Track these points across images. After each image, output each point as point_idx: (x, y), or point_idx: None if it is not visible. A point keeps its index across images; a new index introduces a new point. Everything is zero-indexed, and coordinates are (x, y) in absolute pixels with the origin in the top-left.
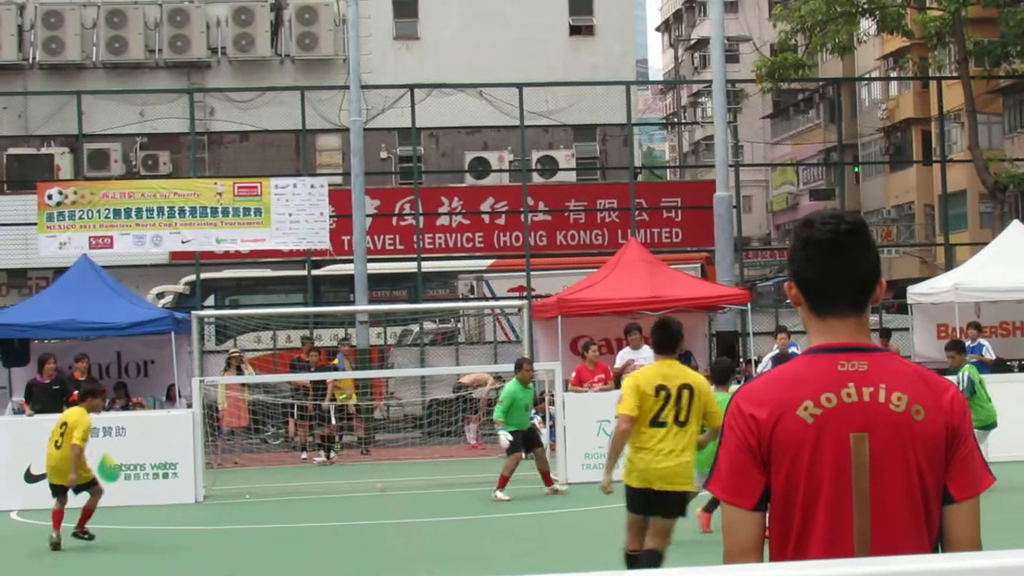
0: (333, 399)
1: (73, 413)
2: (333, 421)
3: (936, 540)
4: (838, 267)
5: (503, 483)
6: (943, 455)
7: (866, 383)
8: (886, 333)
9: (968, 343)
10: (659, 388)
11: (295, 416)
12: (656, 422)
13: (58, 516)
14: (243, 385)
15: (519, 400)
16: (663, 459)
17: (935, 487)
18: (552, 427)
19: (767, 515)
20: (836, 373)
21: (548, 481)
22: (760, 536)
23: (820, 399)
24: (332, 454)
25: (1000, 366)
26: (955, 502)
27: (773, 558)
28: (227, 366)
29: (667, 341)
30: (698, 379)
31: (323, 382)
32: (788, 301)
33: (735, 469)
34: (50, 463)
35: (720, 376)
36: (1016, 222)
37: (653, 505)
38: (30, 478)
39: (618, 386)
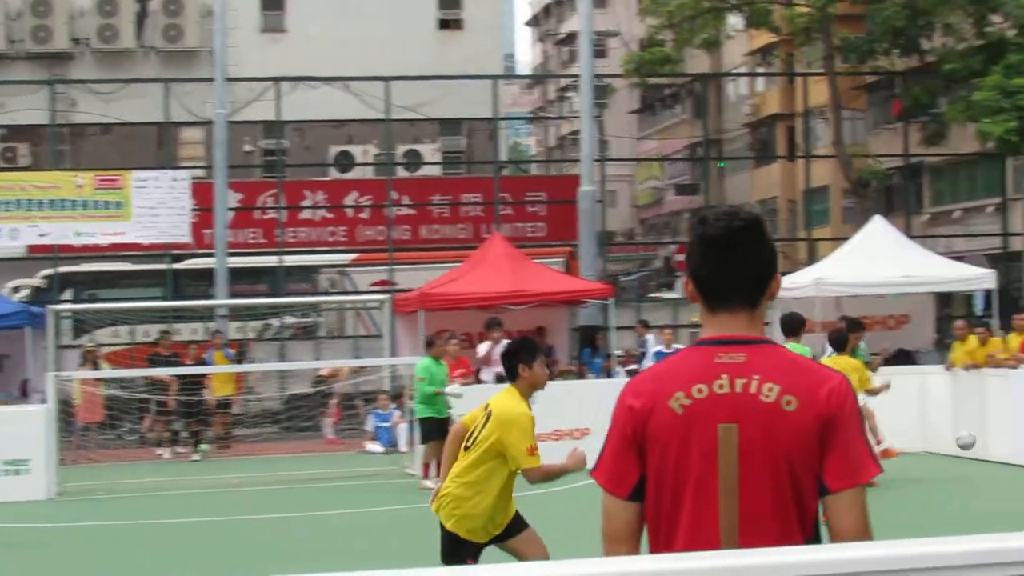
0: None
1: None
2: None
3: (814, 529)
4: (731, 263)
5: (428, 471)
6: (816, 446)
7: (740, 374)
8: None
9: None
10: None
11: (152, 412)
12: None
13: None
14: (98, 380)
15: (436, 375)
16: None
17: (809, 477)
18: (411, 421)
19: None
20: (712, 365)
21: (426, 474)
22: (635, 525)
23: (691, 390)
24: (204, 447)
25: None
26: (831, 492)
27: (650, 546)
28: (83, 361)
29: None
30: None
31: (187, 377)
32: (651, 295)
33: (615, 458)
34: None
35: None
36: (878, 217)
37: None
38: None
39: (479, 380)
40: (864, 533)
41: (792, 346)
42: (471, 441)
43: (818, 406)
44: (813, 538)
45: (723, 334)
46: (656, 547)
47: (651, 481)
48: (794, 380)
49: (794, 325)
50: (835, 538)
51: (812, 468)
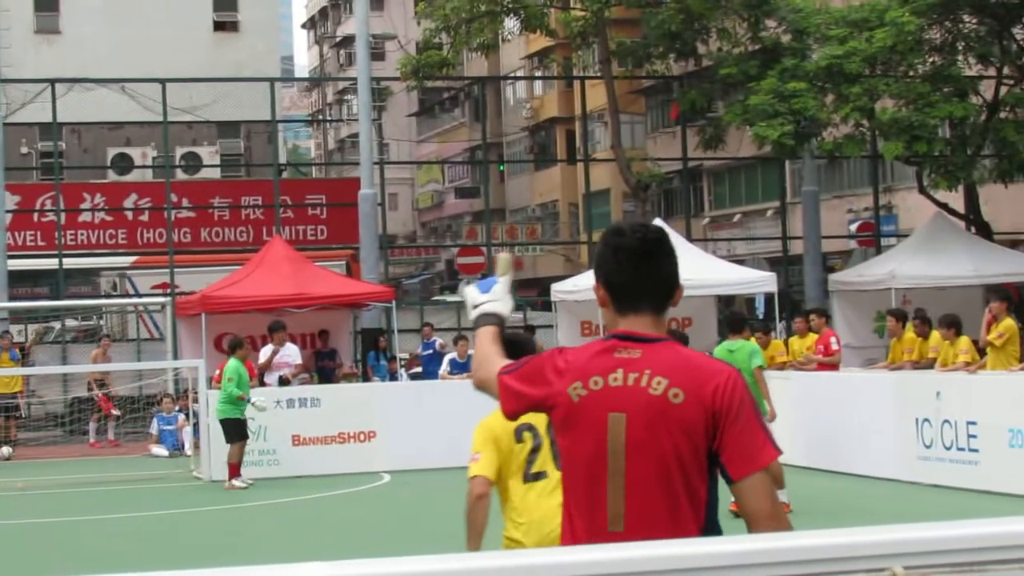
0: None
1: None
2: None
3: (707, 517)
4: (645, 272)
5: (235, 472)
6: (704, 437)
7: (634, 369)
8: (530, 329)
9: None
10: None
11: None
12: None
13: None
14: None
15: (243, 377)
16: None
17: (697, 466)
18: (196, 424)
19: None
20: (611, 359)
21: (233, 475)
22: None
23: (588, 382)
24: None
25: None
26: (734, 481)
27: (564, 510)
28: None
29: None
30: None
31: None
32: (434, 298)
33: (519, 382)
34: None
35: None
36: (658, 220)
37: None
38: None
39: (263, 383)
40: (774, 515)
41: (733, 343)
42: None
43: (704, 400)
44: (707, 525)
45: (629, 330)
46: (563, 521)
47: (561, 447)
48: (683, 375)
49: (737, 323)
50: (750, 524)
51: (701, 458)
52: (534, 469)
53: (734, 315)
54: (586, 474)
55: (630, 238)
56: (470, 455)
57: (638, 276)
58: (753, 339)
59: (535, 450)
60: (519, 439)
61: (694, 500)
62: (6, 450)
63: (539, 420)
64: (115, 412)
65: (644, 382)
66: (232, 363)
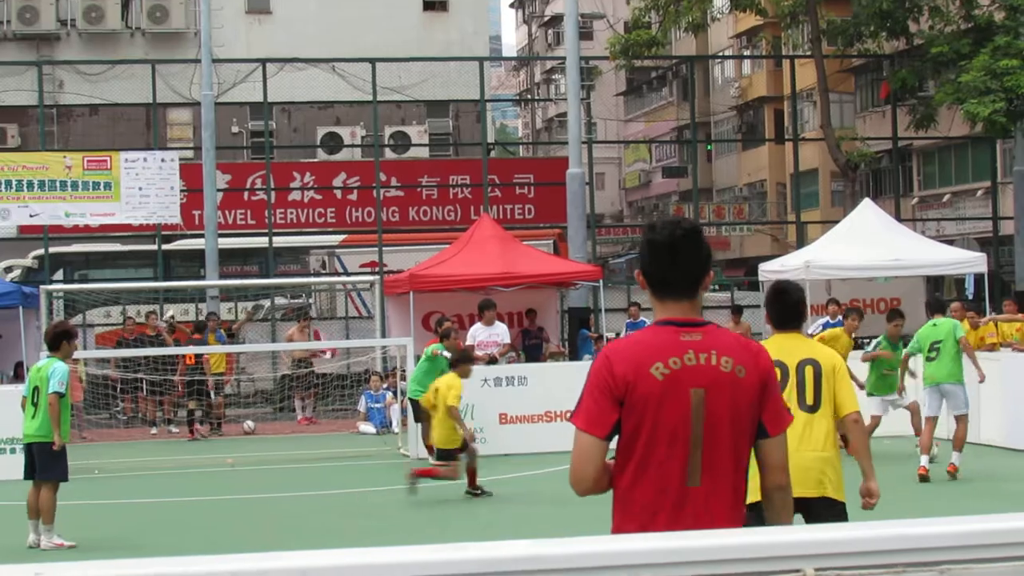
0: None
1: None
2: (213, 396)
3: (748, 462)
4: (675, 264)
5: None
6: (758, 402)
7: (702, 350)
8: (738, 310)
9: (828, 320)
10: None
11: (144, 391)
12: None
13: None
14: (76, 360)
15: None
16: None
17: (751, 425)
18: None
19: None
20: (679, 342)
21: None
22: (604, 461)
23: (668, 362)
24: (204, 426)
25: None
26: (770, 436)
27: (615, 481)
28: None
29: (788, 313)
30: (827, 354)
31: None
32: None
33: (597, 407)
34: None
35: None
36: (867, 200)
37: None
38: None
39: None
40: (787, 466)
41: (937, 320)
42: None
43: (760, 372)
44: (746, 472)
45: (679, 317)
46: (621, 481)
47: (626, 430)
48: (741, 353)
49: (938, 305)
50: (768, 471)
51: (754, 419)
52: None
53: (936, 299)
54: (667, 439)
55: (660, 234)
56: None
57: (669, 267)
58: (966, 320)
59: (781, 385)
60: None
61: (745, 453)
62: (248, 424)
63: (790, 357)
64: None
65: (714, 361)
66: (428, 350)
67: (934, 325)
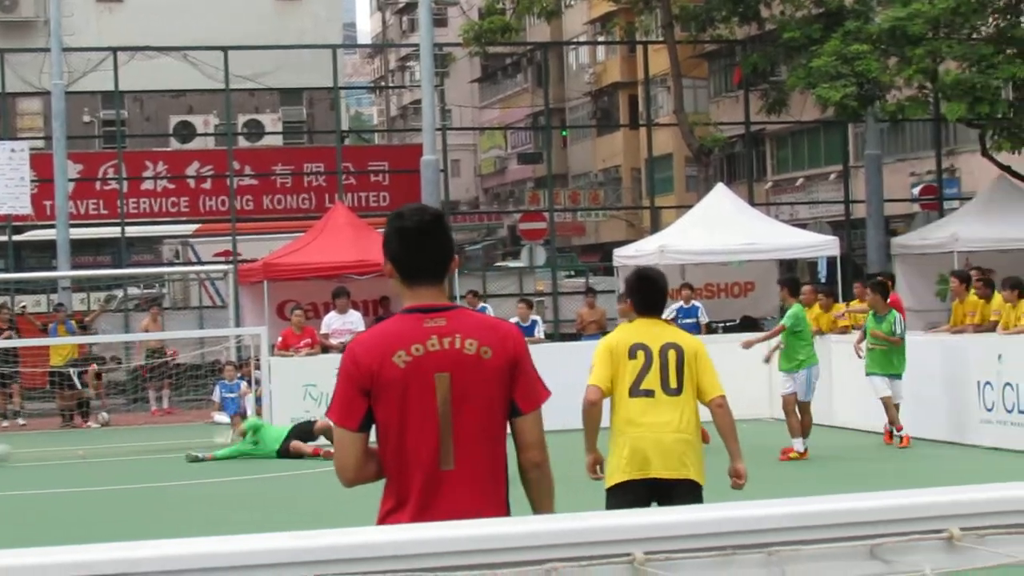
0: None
1: None
2: (80, 386)
3: (504, 441)
4: (423, 250)
5: None
6: (507, 381)
7: (445, 334)
8: (592, 294)
9: (681, 304)
10: (636, 348)
11: None
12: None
13: None
14: None
15: None
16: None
17: (502, 406)
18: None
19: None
20: (422, 328)
21: None
22: (362, 452)
23: (411, 349)
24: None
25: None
26: (523, 414)
27: (383, 465)
28: None
29: (652, 298)
30: (689, 339)
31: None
32: (496, 264)
33: (346, 400)
34: None
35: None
36: (720, 185)
37: (657, 501)
38: None
39: (324, 350)
40: (543, 443)
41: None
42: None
43: (507, 352)
44: (504, 453)
45: (423, 303)
46: (388, 467)
47: (380, 419)
48: (487, 334)
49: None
50: (525, 449)
51: (505, 399)
52: (643, 386)
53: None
54: (415, 424)
55: (409, 220)
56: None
57: (418, 253)
58: (818, 302)
59: (645, 368)
60: (632, 356)
61: (501, 432)
62: (105, 416)
63: (653, 341)
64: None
65: (458, 344)
66: None
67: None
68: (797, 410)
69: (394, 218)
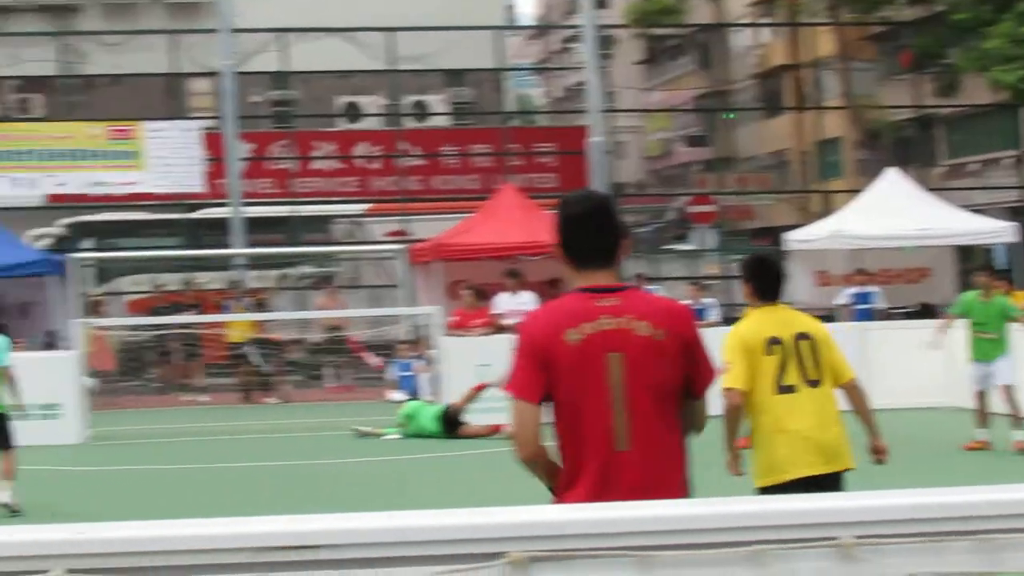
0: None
1: None
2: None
3: (680, 423)
4: (589, 234)
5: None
6: (681, 364)
7: (617, 314)
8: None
9: (855, 290)
10: (771, 342)
11: (177, 358)
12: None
13: None
14: (105, 328)
15: None
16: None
17: (675, 387)
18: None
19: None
20: (594, 307)
21: None
22: (539, 425)
23: (582, 327)
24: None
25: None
26: (696, 398)
27: (559, 445)
28: (89, 310)
29: (773, 283)
30: (813, 323)
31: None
32: (664, 247)
33: (525, 374)
34: None
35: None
36: (891, 170)
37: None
38: None
39: (499, 331)
40: (704, 425)
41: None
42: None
43: (680, 333)
44: (680, 436)
45: (597, 284)
46: (564, 445)
47: (556, 397)
48: (659, 315)
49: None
50: (697, 427)
51: (676, 382)
52: (785, 382)
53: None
54: (589, 403)
55: (574, 207)
56: (722, 364)
57: (584, 239)
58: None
59: (784, 363)
60: (768, 352)
61: (674, 413)
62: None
63: (784, 332)
64: (374, 360)
65: (630, 325)
66: None
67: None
68: (983, 399)
69: (561, 204)
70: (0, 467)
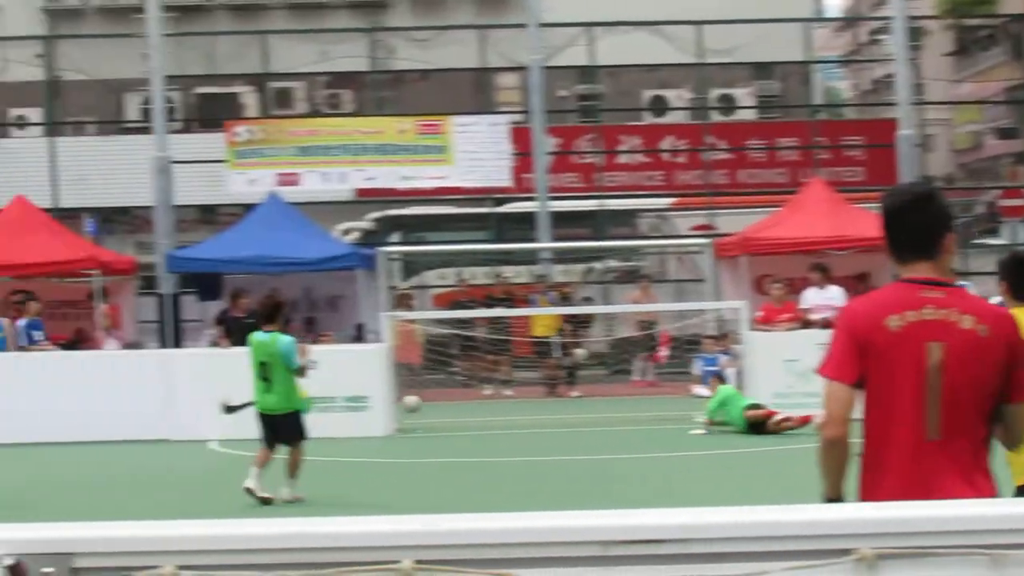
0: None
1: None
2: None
3: (990, 424)
4: (905, 226)
5: None
6: (1003, 364)
7: (942, 306)
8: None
9: None
10: None
11: (482, 352)
12: None
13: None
14: (412, 321)
15: None
16: None
17: (993, 386)
18: (739, 375)
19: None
20: (918, 297)
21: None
22: (851, 408)
23: (905, 314)
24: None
25: None
26: (1012, 403)
27: (865, 429)
28: (396, 303)
29: None
30: None
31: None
32: (973, 241)
33: (842, 355)
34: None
35: None
36: None
37: None
38: (228, 409)
39: (805, 325)
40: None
41: None
42: None
43: (1004, 335)
44: (988, 432)
45: (922, 276)
46: (871, 431)
47: (869, 382)
48: (984, 313)
49: None
50: (1011, 439)
51: (994, 380)
52: None
53: None
54: (905, 391)
55: (897, 200)
56: None
57: (901, 231)
58: None
59: None
60: None
61: (986, 413)
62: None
63: None
64: (663, 353)
65: (954, 318)
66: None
67: None
68: None
69: (885, 197)
70: (287, 461)
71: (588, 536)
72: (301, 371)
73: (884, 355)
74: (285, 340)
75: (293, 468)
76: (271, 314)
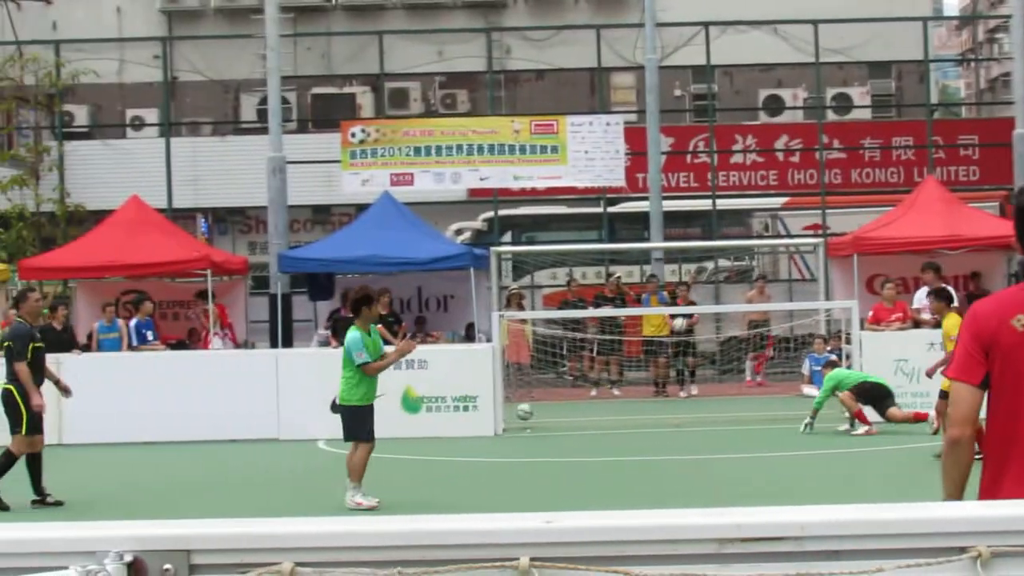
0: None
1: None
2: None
3: None
4: None
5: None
6: None
7: None
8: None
9: None
10: None
11: (593, 352)
12: None
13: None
14: (522, 321)
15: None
16: None
17: None
18: (849, 366)
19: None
20: None
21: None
22: (977, 409)
23: None
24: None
25: None
26: None
27: (988, 428)
28: (507, 303)
29: None
30: None
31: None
32: None
33: (967, 357)
34: None
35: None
36: None
37: None
38: (336, 408)
39: (916, 325)
40: None
41: None
42: None
43: None
44: None
45: None
46: (994, 430)
47: (993, 382)
48: None
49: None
50: None
51: None
52: None
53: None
54: None
55: (1019, 198)
56: None
57: None
58: None
59: None
60: None
61: None
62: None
63: None
64: (768, 354)
65: None
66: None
67: None
68: None
69: (1015, 194)
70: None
71: (704, 534)
72: (364, 368)
73: (1010, 354)
74: (351, 335)
75: (349, 468)
76: (353, 308)
